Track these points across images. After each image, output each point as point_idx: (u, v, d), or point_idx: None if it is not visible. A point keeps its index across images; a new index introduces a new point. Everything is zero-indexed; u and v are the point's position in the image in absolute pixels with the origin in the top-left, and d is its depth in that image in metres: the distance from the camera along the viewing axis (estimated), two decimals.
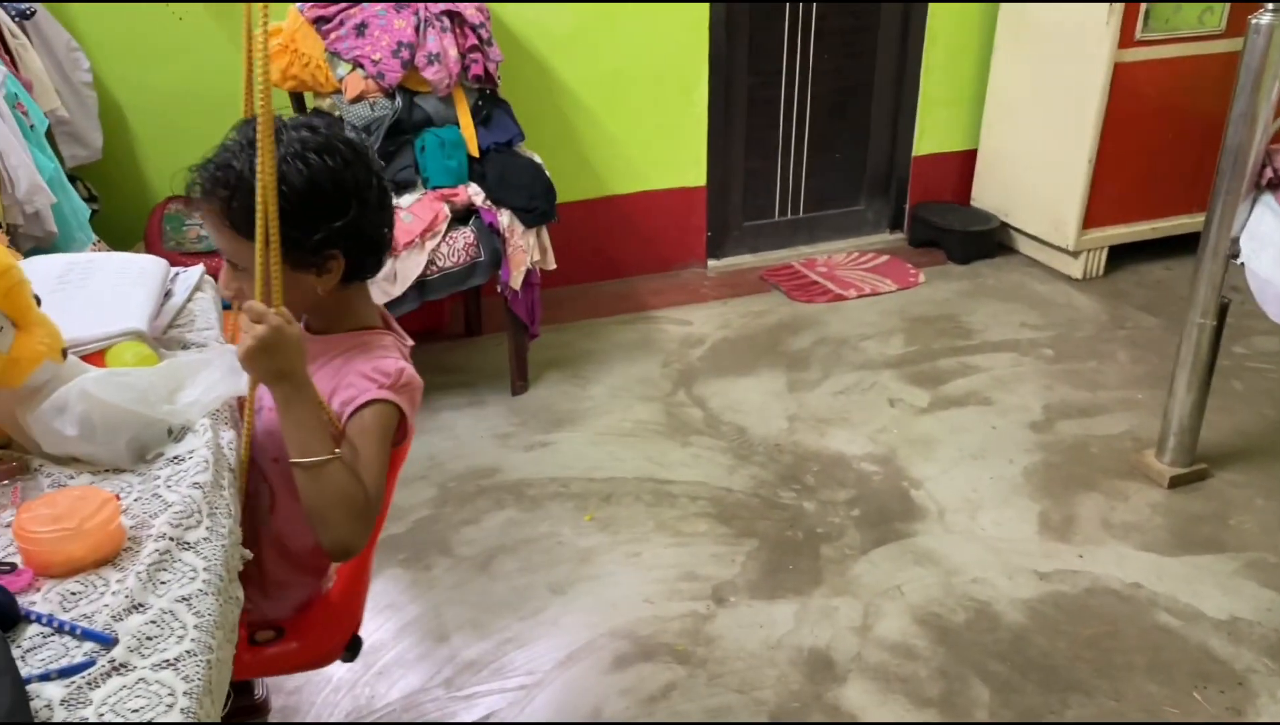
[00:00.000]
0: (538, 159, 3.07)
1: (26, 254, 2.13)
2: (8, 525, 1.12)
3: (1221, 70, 3.53)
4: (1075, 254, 3.84)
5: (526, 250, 2.96)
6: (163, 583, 1.04)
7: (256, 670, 1.48)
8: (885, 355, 3.37)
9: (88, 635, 0.97)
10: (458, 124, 2.96)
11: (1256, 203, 2.37)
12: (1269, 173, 2.29)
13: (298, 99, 3.05)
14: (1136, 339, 3.45)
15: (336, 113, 2.93)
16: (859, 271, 3.99)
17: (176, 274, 1.70)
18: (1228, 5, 3.53)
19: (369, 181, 1.29)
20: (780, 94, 3.97)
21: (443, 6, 2.89)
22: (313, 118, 1.33)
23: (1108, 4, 3.41)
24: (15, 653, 0.96)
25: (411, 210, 2.83)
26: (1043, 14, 3.72)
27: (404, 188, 2.90)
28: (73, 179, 2.86)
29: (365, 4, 2.85)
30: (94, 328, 1.38)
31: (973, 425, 2.97)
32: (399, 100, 2.88)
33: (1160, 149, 3.74)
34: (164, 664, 0.94)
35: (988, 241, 4.07)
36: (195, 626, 0.98)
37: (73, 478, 1.23)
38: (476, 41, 2.94)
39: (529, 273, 2.99)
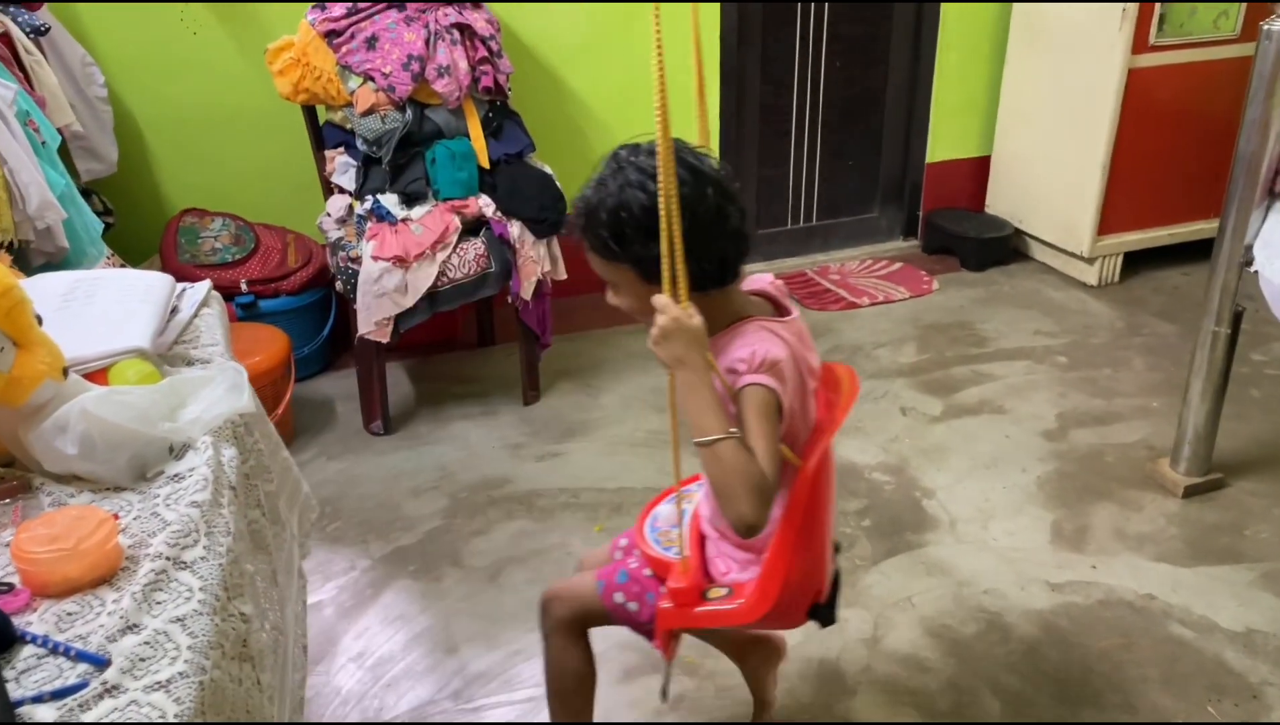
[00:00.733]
0: (548, 170, 3.08)
1: (38, 269, 2.15)
2: (7, 545, 1.13)
3: (1236, 75, 3.47)
4: (1090, 260, 3.81)
5: (537, 261, 2.97)
6: (158, 603, 1.04)
7: (704, 622, 1.60)
8: (898, 363, 3.35)
9: (81, 657, 0.98)
10: (468, 136, 2.97)
11: (1270, 210, 2.35)
12: None
13: (310, 111, 3.07)
14: (1152, 346, 3.42)
15: (348, 126, 2.95)
16: (872, 279, 3.97)
17: (184, 290, 1.71)
18: (1243, 10, 3.50)
19: (702, 204, 1.37)
20: (793, 102, 3.96)
21: (453, 19, 2.91)
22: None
23: (1121, 7, 3.39)
24: (10, 674, 0.96)
25: (422, 222, 2.84)
26: (1055, 19, 3.70)
27: (414, 200, 2.91)
28: (88, 193, 2.90)
29: (376, 17, 2.87)
30: (97, 346, 1.39)
31: (986, 434, 2.95)
32: (409, 113, 2.89)
33: (1175, 154, 3.70)
34: (155, 686, 0.94)
35: (1002, 248, 4.05)
36: (189, 647, 0.99)
37: (73, 496, 1.24)
38: (487, 54, 2.95)
39: (540, 283, 3.00)
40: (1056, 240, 3.90)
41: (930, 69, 4.03)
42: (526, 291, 2.96)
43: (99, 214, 2.73)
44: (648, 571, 1.65)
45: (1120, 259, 3.84)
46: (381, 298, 2.80)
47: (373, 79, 2.84)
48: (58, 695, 0.93)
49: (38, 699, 0.93)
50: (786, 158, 4.04)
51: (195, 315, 1.66)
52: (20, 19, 2.58)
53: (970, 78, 4.08)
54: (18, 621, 1.03)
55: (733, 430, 1.34)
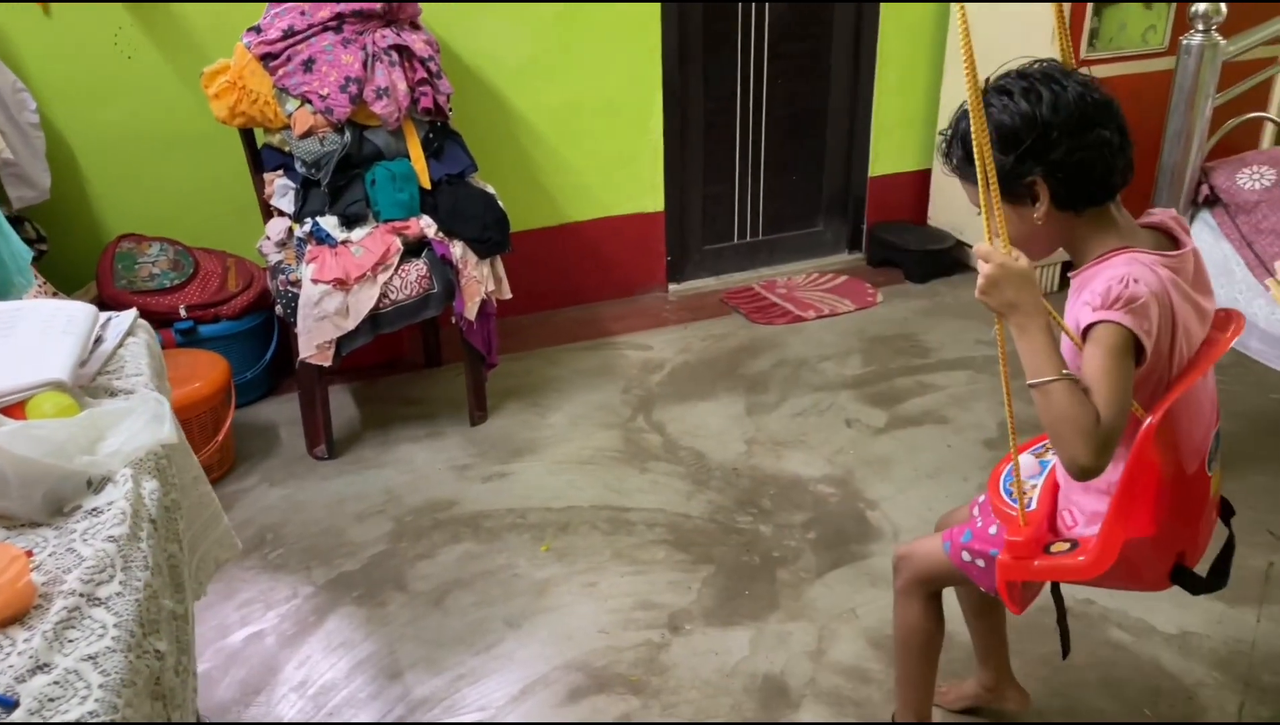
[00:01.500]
0: (490, 189, 3.08)
1: None
2: None
3: (1165, 88, 3.57)
4: None
5: (480, 281, 2.96)
6: (70, 640, 1.03)
7: (1043, 575, 1.57)
8: (843, 376, 3.38)
9: None
10: (408, 157, 2.96)
11: (1194, 220, 2.40)
12: (1205, 190, 2.32)
13: (247, 134, 3.05)
14: None
15: (286, 148, 2.93)
16: (818, 292, 4.01)
17: (108, 319, 1.68)
18: (1170, 24, 3.58)
19: (1067, 115, 1.39)
20: (736, 119, 4.00)
21: (391, 41, 2.90)
22: (1030, 68, 1.48)
23: (1054, 25, 3.44)
24: None
25: (362, 244, 2.83)
26: (990, 36, 3.76)
27: (355, 221, 2.89)
28: (20, 221, 2.86)
29: (312, 40, 2.85)
30: (14, 379, 1.37)
31: (929, 444, 2.98)
32: (348, 135, 2.88)
33: None
34: None
35: (944, 260, 4.10)
36: (100, 685, 0.97)
37: None
38: (426, 75, 2.95)
39: (484, 303, 2.99)
40: None
41: (870, 85, 4.08)
42: (470, 312, 2.95)
43: (31, 242, 2.69)
44: (993, 529, 1.62)
45: (1058, 269, 3.91)
46: (322, 321, 2.78)
47: (310, 101, 2.83)
48: None
49: None
50: (731, 174, 4.08)
51: (120, 345, 1.63)
52: None
53: (909, 92, 4.14)
54: None
55: (1066, 371, 1.31)
